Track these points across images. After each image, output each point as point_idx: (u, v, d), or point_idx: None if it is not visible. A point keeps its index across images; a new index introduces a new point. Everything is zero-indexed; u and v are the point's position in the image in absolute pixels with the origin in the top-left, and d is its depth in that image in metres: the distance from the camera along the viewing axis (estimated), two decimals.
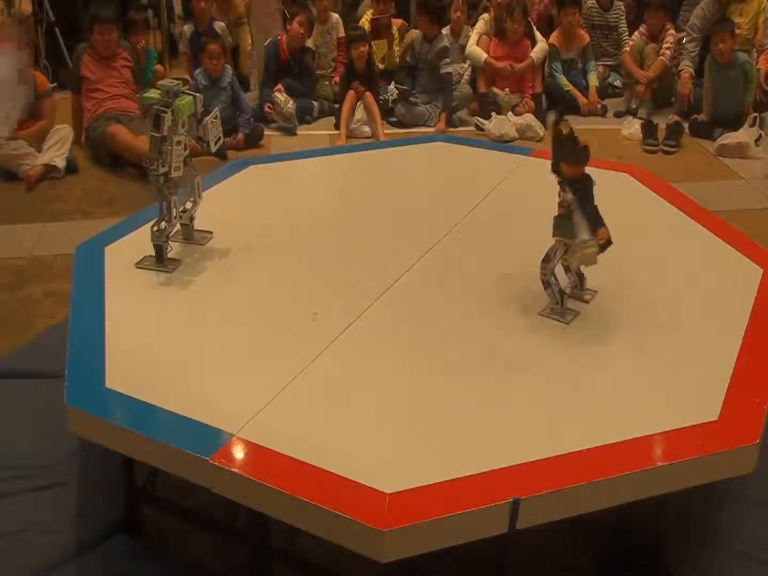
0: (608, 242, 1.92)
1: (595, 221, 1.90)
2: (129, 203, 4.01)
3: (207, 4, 5.61)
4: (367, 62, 5.44)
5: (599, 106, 5.75)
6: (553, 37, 5.80)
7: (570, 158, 1.89)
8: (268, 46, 5.57)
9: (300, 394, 1.74)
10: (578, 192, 1.90)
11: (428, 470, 1.53)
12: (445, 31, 5.71)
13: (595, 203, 1.93)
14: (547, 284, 1.99)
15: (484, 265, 2.28)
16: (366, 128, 5.33)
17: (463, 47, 5.78)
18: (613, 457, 1.57)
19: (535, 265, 2.00)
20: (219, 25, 5.69)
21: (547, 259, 1.97)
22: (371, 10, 5.93)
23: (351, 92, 5.33)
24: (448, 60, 5.50)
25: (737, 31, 5.41)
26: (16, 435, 2.32)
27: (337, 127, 5.34)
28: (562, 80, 5.76)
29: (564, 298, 2.00)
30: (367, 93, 5.34)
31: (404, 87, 5.57)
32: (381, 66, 5.82)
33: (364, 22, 5.90)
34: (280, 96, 5.34)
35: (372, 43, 5.61)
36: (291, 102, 5.32)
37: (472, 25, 5.89)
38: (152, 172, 2.13)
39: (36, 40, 5.72)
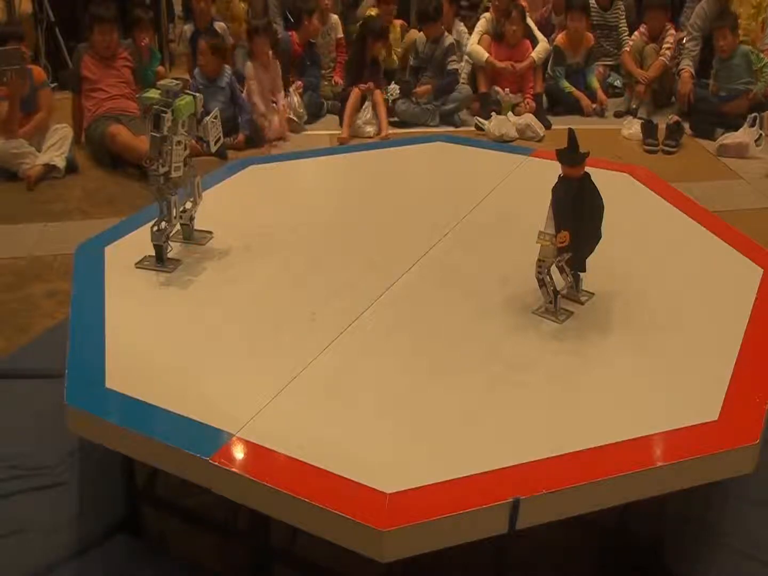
0: (567, 248, 1.93)
1: (564, 223, 1.90)
2: (129, 203, 4.01)
3: (206, 3, 5.62)
4: (373, 58, 5.45)
5: (605, 104, 5.76)
6: (559, 39, 5.79)
7: (565, 159, 1.92)
8: (279, 45, 5.60)
9: (300, 394, 1.74)
10: (566, 191, 1.91)
11: (428, 470, 1.53)
12: None
13: (587, 207, 1.94)
14: (541, 283, 1.99)
15: (484, 265, 2.28)
16: (369, 128, 5.33)
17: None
18: (613, 457, 1.57)
19: (534, 265, 2.00)
20: (219, 26, 5.70)
21: (542, 258, 1.97)
22: (375, 10, 5.92)
23: (356, 90, 5.34)
24: (454, 57, 5.51)
25: (738, 21, 5.43)
26: (16, 435, 2.32)
27: (342, 124, 5.35)
28: (564, 83, 5.76)
29: (557, 297, 2.00)
30: (377, 90, 5.36)
31: (406, 80, 5.58)
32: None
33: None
34: (297, 98, 5.37)
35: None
36: (303, 108, 5.41)
37: (473, 26, 5.89)
38: (152, 172, 2.13)
39: (36, 40, 5.72)
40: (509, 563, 1.74)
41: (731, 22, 5.37)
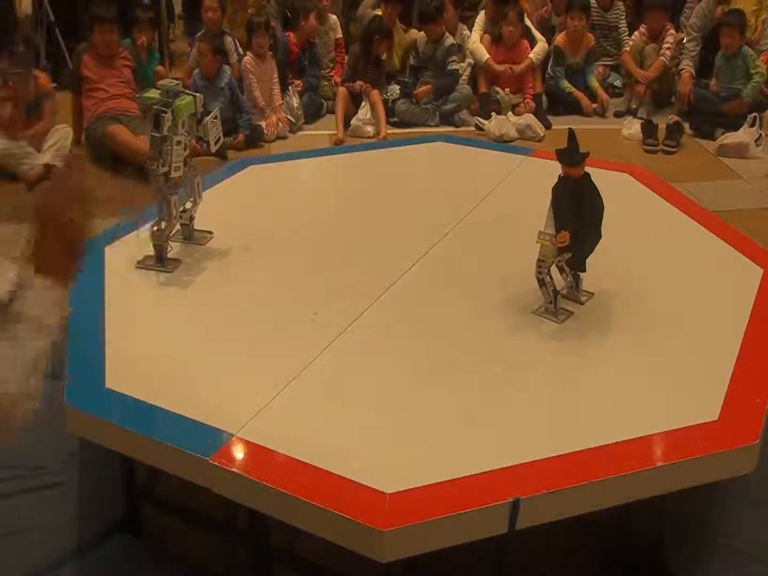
0: (568, 248, 1.93)
1: (564, 223, 1.90)
2: (129, 203, 4.00)
3: (214, 14, 5.59)
4: (376, 58, 5.45)
5: (606, 104, 5.75)
6: (559, 39, 5.78)
7: (565, 159, 1.92)
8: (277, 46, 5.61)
9: (300, 394, 1.74)
10: (566, 191, 1.91)
11: (428, 470, 1.53)
12: None
13: (587, 207, 1.94)
14: (541, 283, 1.99)
15: (484, 265, 2.28)
16: (369, 128, 5.33)
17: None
18: (613, 457, 1.57)
19: (534, 265, 2.00)
20: (227, 39, 5.69)
21: (542, 258, 1.97)
22: (379, 10, 5.90)
23: (342, 89, 5.35)
24: (455, 58, 5.50)
25: (746, 20, 5.44)
26: (16, 435, 2.31)
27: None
28: (565, 84, 5.76)
29: (557, 297, 2.00)
30: (374, 91, 5.35)
31: (406, 79, 5.58)
32: None
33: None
34: (296, 99, 5.38)
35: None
36: (301, 109, 5.41)
37: (471, 25, 5.89)
38: (152, 172, 2.13)
39: (36, 40, 5.72)
40: (509, 563, 1.74)
41: (740, 20, 5.36)
